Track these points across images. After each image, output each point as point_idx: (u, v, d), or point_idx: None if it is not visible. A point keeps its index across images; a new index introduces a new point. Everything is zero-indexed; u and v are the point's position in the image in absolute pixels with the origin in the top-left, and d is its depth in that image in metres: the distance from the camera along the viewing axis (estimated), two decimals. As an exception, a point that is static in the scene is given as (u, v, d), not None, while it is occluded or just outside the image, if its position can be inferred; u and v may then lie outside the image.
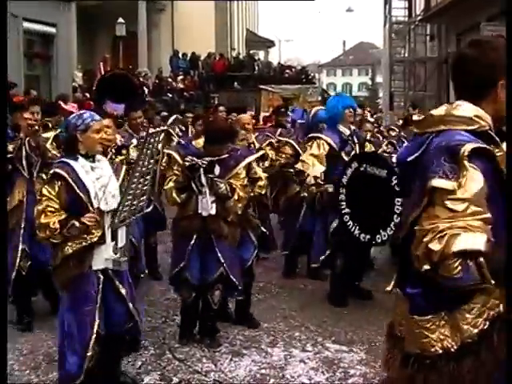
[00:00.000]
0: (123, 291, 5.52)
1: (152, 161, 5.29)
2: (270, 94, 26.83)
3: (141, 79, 25.23)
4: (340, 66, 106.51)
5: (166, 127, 6.43)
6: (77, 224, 5.13)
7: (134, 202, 5.30)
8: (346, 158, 8.14)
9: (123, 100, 8.19)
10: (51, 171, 5.30)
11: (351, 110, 8.53)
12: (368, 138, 9.72)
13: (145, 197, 5.41)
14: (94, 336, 5.31)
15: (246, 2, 50.86)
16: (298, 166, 8.45)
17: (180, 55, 34.77)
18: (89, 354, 5.29)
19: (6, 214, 6.62)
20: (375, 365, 6.59)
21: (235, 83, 34.44)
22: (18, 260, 7.33)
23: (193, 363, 6.59)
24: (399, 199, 7.19)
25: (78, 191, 5.21)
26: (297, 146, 9.47)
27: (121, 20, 30.58)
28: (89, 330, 5.31)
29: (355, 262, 8.48)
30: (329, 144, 8.32)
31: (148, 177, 5.32)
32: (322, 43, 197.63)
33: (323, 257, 8.58)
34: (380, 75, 76.07)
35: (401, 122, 14.07)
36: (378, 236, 7.40)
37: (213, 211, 6.68)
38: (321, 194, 8.39)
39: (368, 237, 7.52)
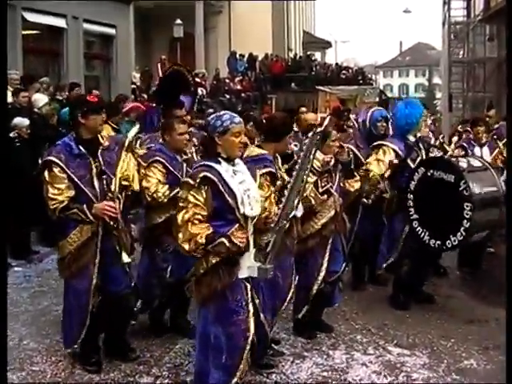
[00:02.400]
0: (257, 301, 5.29)
1: (311, 161, 5.19)
2: (328, 95, 26.82)
3: (198, 80, 25.24)
4: (397, 67, 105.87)
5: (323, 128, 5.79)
6: (226, 243, 4.83)
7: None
8: (412, 165, 8.03)
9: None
10: (200, 175, 4.89)
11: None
12: (432, 143, 9.56)
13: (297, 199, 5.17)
14: (249, 347, 5.02)
15: (303, 1, 50.73)
16: (363, 167, 8.27)
17: (237, 56, 34.78)
18: (241, 365, 5.01)
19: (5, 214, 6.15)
20: (438, 369, 6.55)
21: (292, 84, 34.32)
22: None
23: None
24: (468, 204, 7.11)
25: (226, 196, 4.91)
26: (356, 151, 8.74)
27: (178, 21, 30.66)
28: (242, 341, 4.99)
29: (422, 269, 8.34)
30: (395, 151, 8.17)
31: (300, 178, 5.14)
32: (379, 44, 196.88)
33: (386, 264, 8.47)
34: (437, 76, 75.58)
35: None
36: (448, 241, 7.34)
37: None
38: (388, 201, 8.33)
39: (438, 242, 7.46)
